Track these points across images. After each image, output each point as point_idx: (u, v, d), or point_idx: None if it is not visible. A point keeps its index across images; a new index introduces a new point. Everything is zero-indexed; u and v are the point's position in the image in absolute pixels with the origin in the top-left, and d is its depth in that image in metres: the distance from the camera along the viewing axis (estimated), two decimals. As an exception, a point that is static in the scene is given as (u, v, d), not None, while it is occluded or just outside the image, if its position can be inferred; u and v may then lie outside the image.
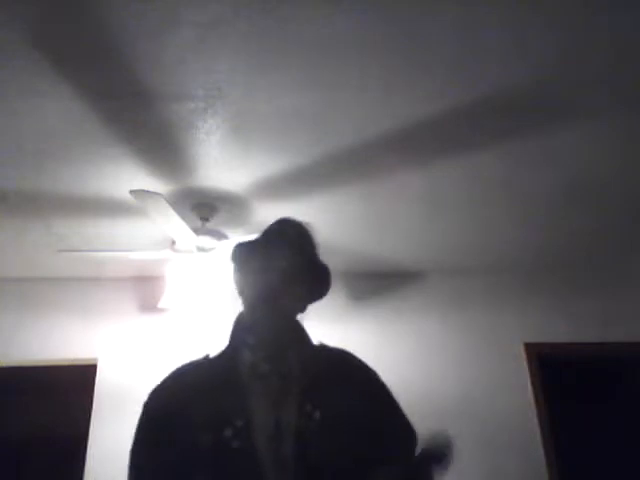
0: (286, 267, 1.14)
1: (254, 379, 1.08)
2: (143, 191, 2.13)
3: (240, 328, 1.19)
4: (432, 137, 2.19)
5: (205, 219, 2.61)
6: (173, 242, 2.50)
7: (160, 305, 2.97)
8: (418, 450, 1.11)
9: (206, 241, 2.49)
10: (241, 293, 1.20)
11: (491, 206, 2.73)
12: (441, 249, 3.20)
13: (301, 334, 1.20)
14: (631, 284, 3.45)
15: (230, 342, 1.18)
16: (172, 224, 2.29)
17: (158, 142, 2.16)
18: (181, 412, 1.04)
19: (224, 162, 2.31)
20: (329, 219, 2.76)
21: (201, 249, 2.50)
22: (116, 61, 1.74)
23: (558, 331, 3.29)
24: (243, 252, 1.23)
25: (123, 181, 2.37)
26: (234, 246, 1.25)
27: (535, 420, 3.05)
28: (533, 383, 3.15)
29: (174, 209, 2.21)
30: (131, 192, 2.13)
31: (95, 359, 3.18)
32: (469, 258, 3.32)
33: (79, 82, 1.83)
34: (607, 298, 3.39)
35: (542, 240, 3.12)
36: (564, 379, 3.26)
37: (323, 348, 1.20)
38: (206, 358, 1.17)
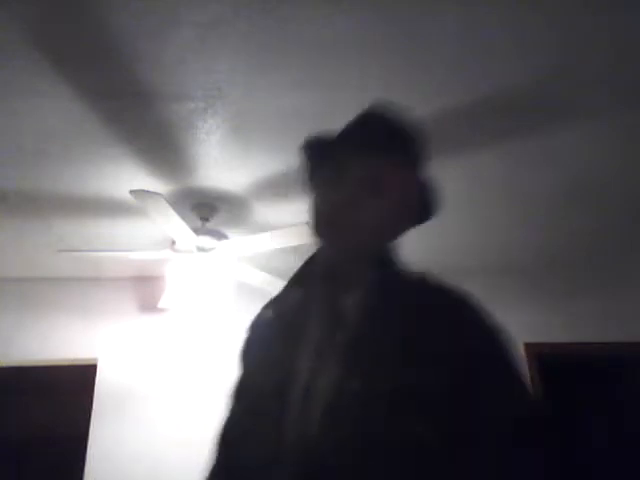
0: (356, 180, 0.88)
1: (309, 316, 0.85)
2: (143, 191, 2.13)
3: (316, 256, 0.94)
4: (432, 137, 2.18)
5: (205, 219, 2.61)
6: (173, 242, 2.50)
7: (160, 305, 2.98)
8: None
9: (206, 241, 2.49)
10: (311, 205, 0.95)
11: (491, 206, 2.73)
12: (441, 249, 3.20)
13: (383, 258, 0.90)
14: (631, 284, 3.45)
15: (307, 269, 0.96)
16: (172, 224, 2.29)
17: (158, 142, 2.17)
18: (246, 345, 0.93)
19: (224, 162, 2.31)
20: (329, 219, 2.75)
21: (201, 249, 2.50)
22: (116, 61, 1.74)
23: (558, 331, 3.29)
24: (312, 154, 0.99)
25: (123, 181, 2.37)
26: (305, 143, 1.02)
27: (535, 420, 3.05)
28: (533, 383, 3.15)
29: (174, 209, 2.21)
30: (131, 192, 2.13)
31: (95, 359, 3.18)
32: (469, 258, 3.32)
33: (79, 82, 1.84)
34: (607, 298, 3.39)
35: (542, 240, 3.12)
36: (564, 379, 3.26)
37: (415, 284, 0.87)
38: (291, 288, 0.95)
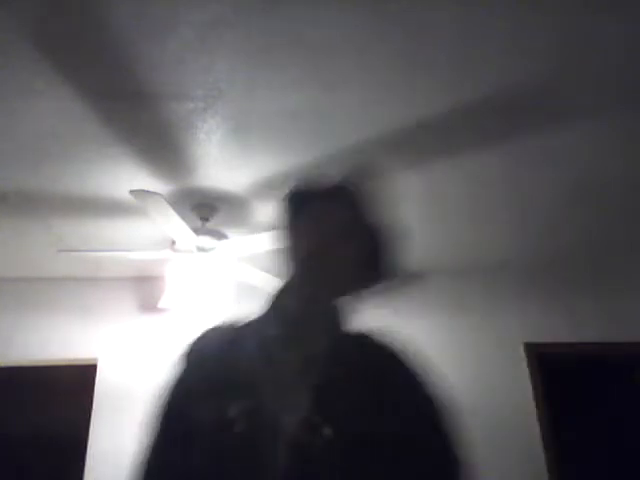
0: (333, 227, 0.95)
1: (271, 360, 0.89)
2: (143, 191, 2.13)
3: (277, 298, 0.98)
4: (432, 137, 2.19)
5: (205, 219, 2.61)
6: (173, 242, 2.50)
7: (160, 305, 2.98)
8: None
9: (206, 241, 2.49)
10: (285, 255, 1.01)
11: (491, 206, 2.73)
12: (441, 249, 3.20)
13: (338, 319, 0.96)
14: (631, 284, 3.45)
15: (263, 311, 0.98)
16: (172, 224, 2.29)
17: (158, 142, 2.16)
18: (191, 380, 0.92)
19: (224, 162, 2.31)
20: (329, 219, 2.75)
21: (201, 249, 2.50)
22: (116, 61, 1.74)
23: (558, 331, 3.29)
24: (289, 215, 1.02)
25: (123, 181, 2.37)
26: (286, 199, 1.04)
27: (535, 420, 3.06)
28: (533, 383, 3.16)
29: (174, 209, 2.21)
30: (131, 192, 2.13)
31: (95, 359, 3.18)
32: (469, 258, 3.33)
33: (79, 82, 1.83)
34: (607, 298, 3.40)
35: (542, 240, 3.12)
36: (564, 379, 3.26)
37: (366, 341, 0.96)
38: (235, 324, 1.00)
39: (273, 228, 2.30)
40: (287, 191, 1.03)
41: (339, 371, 0.87)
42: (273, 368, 0.88)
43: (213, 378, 0.89)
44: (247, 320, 0.98)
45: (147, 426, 0.92)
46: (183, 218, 2.28)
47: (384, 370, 0.90)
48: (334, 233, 0.95)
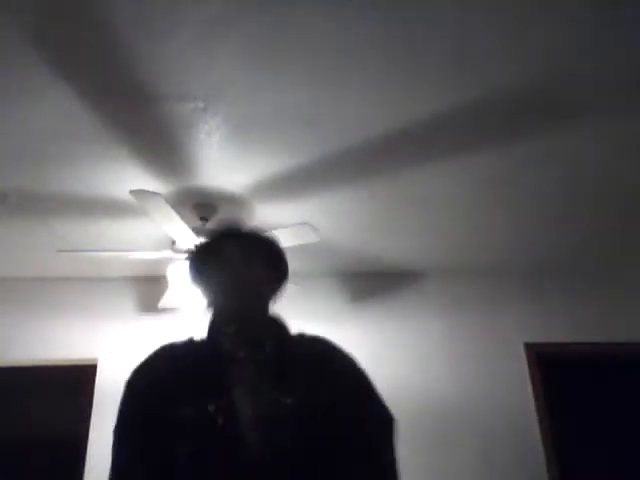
0: (241, 257, 1.20)
1: (233, 364, 1.11)
2: (143, 191, 2.13)
3: (215, 324, 1.23)
4: (432, 137, 2.19)
5: (205, 219, 2.61)
6: (173, 242, 2.50)
7: (160, 305, 2.97)
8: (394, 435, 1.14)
9: (206, 241, 2.49)
10: (208, 294, 1.29)
11: (491, 206, 2.73)
12: (441, 249, 3.20)
13: (277, 322, 1.23)
14: (631, 284, 3.44)
15: (208, 335, 1.23)
16: (172, 224, 2.30)
17: (158, 142, 2.17)
18: (164, 388, 1.07)
19: (224, 162, 2.31)
20: (329, 219, 2.76)
21: (201, 249, 2.49)
22: (116, 61, 1.74)
23: (558, 331, 3.29)
24: (198, 259, 1.31)
25: (123, 181, 2.37)
26: (189, 258, 1.35)
27: (535, 420, 3.06)
28: (533, 383, 3.15)
29: (174, 209, 2.21)
30: (131, 192, 2.13)
31: (95, 359, 3.18)
32: (469, 258, 3.32)
33: (79, 82, 1.84)
34: (607, 298, 3.39)
35: (542, 240, 3.12)
36: (564, 379, 3.26)
37: (301, 337, 1.24)
38: (189, 340, 1.24)
39: (273, 228, 2.30)
40: (189, 256, 1.25)
41: (290, 361, 1.14)
42: (238, 370, 1.10)
43: (185, 384, 1.08)
44: (189, 340, 1.24)
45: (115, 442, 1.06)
46: (183, 218, 2.28)
47: (320, 357, 1.18)
48: (235, 266, 1.20)
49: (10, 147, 2.17)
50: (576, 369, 3.30)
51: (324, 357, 1.19)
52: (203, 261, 1.29)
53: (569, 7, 1.60)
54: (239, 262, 1.20)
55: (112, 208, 2.60)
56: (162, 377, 1.11)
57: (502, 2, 1.58)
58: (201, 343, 1.21)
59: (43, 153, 2.21)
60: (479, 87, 1.92)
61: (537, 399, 3.11)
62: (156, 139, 2.15)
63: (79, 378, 3.11)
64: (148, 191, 2.13)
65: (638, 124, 2.14)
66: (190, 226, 2.35)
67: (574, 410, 3.23)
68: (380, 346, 3.17)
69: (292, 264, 1.27)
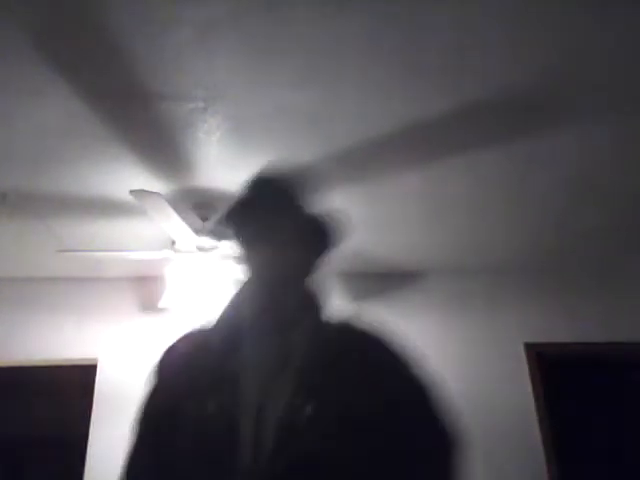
0: (275, 230, 1.01)
1: (248, 355, 0.94)
2: (143, 191, 2.13)
3: (240, 299, 1.06)
4: (432, 137, 2.19)
5: (205, 219, 2.61)
6: (173, 242, 2.50)
7: (160, 305, 2.97)
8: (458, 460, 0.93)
9: (206, 241, 2.49)
10: (242, 262, 1.07)
11: (491, 206, 2.73)
12: (441, 249, 3.20)
13: (314, 304, 1.02)
14: (631, 284, 3.44)
15: (229, 314, 1.06)
16: (172, 224, 2.29)
17: (158, 142, 2.16)
18: (171, 380, 0.98)
19: (224, 162, 2.31)
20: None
21: (201, 249, 2.50)
22: (116, 61, 1.74)
23: (558, 331, 3.28)
24: (234, 222, 1.09)
25: (123, 181, 2.37)
26: (225, 216, 1.11)
27: (535, 420, 3.05)
28: (533, 383, 3.15)
29: (174, 209, 2.21)
30: (131, 192, 2.13)
31: (95, 359, 3.18)
32: (469, 258, 3.32)
33: (79, 82, 1.83)
34: (607, 298, 3.39)
35: (542, 240, 3.12)
36: (564, 379, 3.26)
37: (346, 326, 1.01)
38: (207, 327, 1.07)
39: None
40: (226, 211, 1.09)
41: (321, 354, 0.93)
42: (254, 359, 0.93)
43: (191, 380, 0.94)
44: (214, 323, 1.06)
45: (131, 431, 1.00)
46: (183, 218, 2.28)
47: (365, 353, 0.94)
48: (279, 228, 1.00)
49: (9, 147, 2.17)
50: (576, 369, 3.30)
51: (372, 358, 0.94)
52: (238, 216, 1.08)
53: (569, 7, 1.59)
54: (269, 240, 1.01)
55: (112, 208, 2.60)
56: (173, 367, 1.00)
57: (501, 2, 1.58)
58: (220, 330, 1.03)
59: (42, 153, 2.20)
60: (478, 86, 1.91)
61: (537, 399, 3.11)
62: (156, 139, 2.14)
63: (79, 378, 3.11)
64: (148, 191, 2.13)
65: (638, 124, 2.14)
66: (190, 226, 2.35)
67: (574, 410, 3.23)
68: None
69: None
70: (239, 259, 1.07)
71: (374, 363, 0.94)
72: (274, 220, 1.01)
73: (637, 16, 1.64)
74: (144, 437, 0.98)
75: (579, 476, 3.05)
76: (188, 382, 0.94)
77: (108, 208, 2.60)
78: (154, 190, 2.21)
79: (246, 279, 1.05)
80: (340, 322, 1.02)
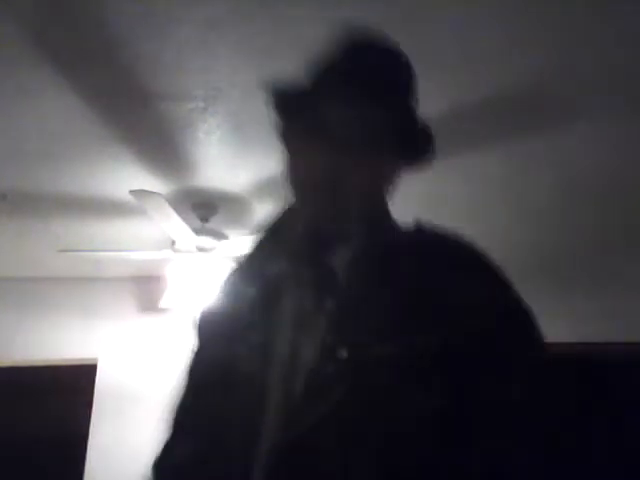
0: (354, 130, 0.74)
1: (289, 286, 0.75)
2: (143, 191, 2.13)
3: (286, 224, 0.86)
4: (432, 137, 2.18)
5: (205, 219, 2.61)
6: (173, 242, 2.50)
7: (160, 305, 2.97)
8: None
9: (206, 241, 2.49)
10: (287, 171, 0.84)
11: (491, 206, 2.73)
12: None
13: (375, 217, 0.82)
14: (631, 284, 3.44)
15: (270, 240, 0.87)
16: (172, 224, 2.29)
17: (158, 142, 2.16)
18: (211, 317, 0.84)
19: (224, 162, 2.31)
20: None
21: (201, 249, 2.50)
22: (116, 61, 1.74)
23: (558, 331, 3.28)
24: (288, 105, 0.82)
25: (123, 181, 2.37)
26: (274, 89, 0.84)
27: (535, 420, 3.06)
28: (533, 383, 3.15)
29: (174, 209, 2.21)
30: (131, 192, 2.13)
31: (95, 359, 3.18)
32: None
33: (79, 82, 1.83)
34: (607, 298, 3.39)
35: (542, 240, 3.12)
36: (564, 379, 3.26)
37: (416, 233, 0.82)
38: (254, 255, 0.87)
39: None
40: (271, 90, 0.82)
41: (371, 279, 0.70)
42: (293, 293, 0.73)
43: (228, 323, 0.78)
44: (252, 252, 0.86)
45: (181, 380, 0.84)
46: (183, 218, 2.28)
47: (440, 274, 0.71)
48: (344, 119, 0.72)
49: (10, 147, 2.17)
50: (576, 369, 3.30)
51: (445, 267, 0.72)
52: (288, 118, 0.84)
53: (570, 6, 1.59)
54: (341, 142, 0.74)
55: (112, 208, 2.60)
56: (218, 303, 0.85)
57: (502, 2, 1.58)
58: (262, 258, 0.85)
59: (43, 153, 2.20)
60: (479, 87, 1.91)
61: (537, 399, 3.11)
62: (156, 139, 2.14)
63: (79, 378, 3.11)
64: (148, 191, 2.13)
65: (638, 124, 2.14)
66: (190, 226, 2.35)
67: (574, 411, 3.23)
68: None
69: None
70: (284, 168, 0.82)
71: (452, 288, 0.69)
72: (367, 103, 0.72)
73: (638, 16, 1.64)
74: (188, 388, 0.80)
75: (579, 476, 3.05)
76: (223, 319, 0.80)
77: (108, 208, 2.60)
78: (154, 190, 2.21)
79: (295, 199, 0.81)
80: (404, 232, 0.82)
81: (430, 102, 1.97)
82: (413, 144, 0.81)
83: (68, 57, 1.74)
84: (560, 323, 3.31)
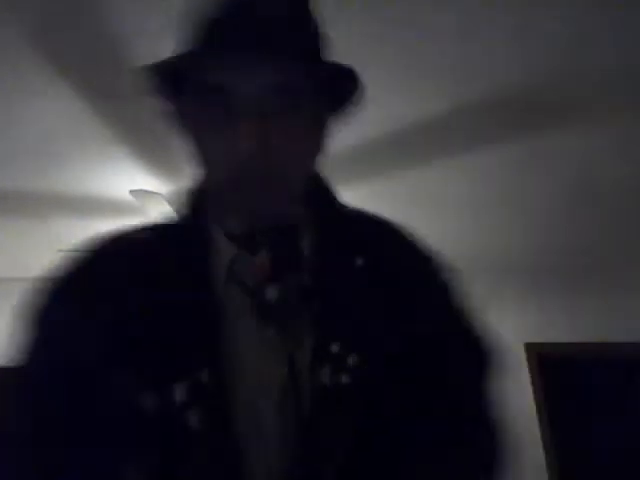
0: (265, 91, 0.56)
1: (236, 289, 0.58)
2: (143, 191, 2.13)
3: (205, 201, 0.66)
4: (432, 137, 2.19)
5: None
6: (173, 242, 2.50)
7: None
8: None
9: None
10: (193, 141, 0.63)
11: (491, 206, 2.73)
12: (440, 249, 3.20)
13: (322, 193, 0.68)
14: (631, 284, 3.44)
15: (188, 218, 0.66)
16: (172, 224, 2.29)
17: (158, 142, 2.16)
18: (96, 347, 0.56)
19: (224, 162, 2.30)
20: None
21: (201, 249, 2.49)
22: (116, 61, 1.74)
23: (558, 331, 3.29)
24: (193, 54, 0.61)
25: (123, 181, 2.37)
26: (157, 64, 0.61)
27: (535, 420, 3.05)
28: (533, 383, 3.16)
29: (174, 209, 2.20)
30: (131, 192, 2.13)
31: (95, 359, 3.18)
32: (469, 258, 3.32)
33: (79, 82, 1.83)
34: (607, 298, 3.39)
35: (542, 240, 3.12)
36: (564, 379, 3.26)
37: (362, 215, 0.70)
38: (150, 231, 0.66)
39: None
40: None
41: (347, 272, 0.61)
42: (246, 298, 0.56)
43: (135, 334, 0.55)
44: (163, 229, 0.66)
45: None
46: (183, 218, 2.28)
47: (404, 264, 0.65)
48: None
49: (10, 147, 2.17)
50: (576, 369, 3.30)
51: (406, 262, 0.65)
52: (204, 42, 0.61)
53: (570, 6, 1.59)
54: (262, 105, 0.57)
55: (112, 208, 2.60)
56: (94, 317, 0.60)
57: (502, 3, 1.58)
58: (174, 244, 0.63)
59: (43, 153, 2.20)
60: (479, 87, 1.91)
61: (537, 399, 3.11)
62: (156, 139, 2.14)
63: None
64: (148, 191, 2.13)
65: (638, 124, 2.14)
66: (190, 226, 2.35)
67: (574, 410, 3.23)
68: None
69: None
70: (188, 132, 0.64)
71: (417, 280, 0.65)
72: (272, 50, 0.56)
73: (638, 16, 1.64)
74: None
75: (579, 476, 3.05)
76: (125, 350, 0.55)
77: (108, 208, 2.60)
78: (154, 190, 2.21)
79: (211, 173, 0.60)
80: (354, 211, 0.70)
81: (429, 102, 1.99)
82: (334, 89, 0.64)
83: (68, 57, 1.74)
84: (560, 323, 3.31)
